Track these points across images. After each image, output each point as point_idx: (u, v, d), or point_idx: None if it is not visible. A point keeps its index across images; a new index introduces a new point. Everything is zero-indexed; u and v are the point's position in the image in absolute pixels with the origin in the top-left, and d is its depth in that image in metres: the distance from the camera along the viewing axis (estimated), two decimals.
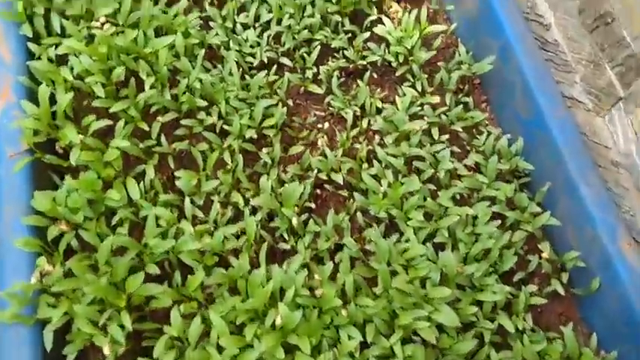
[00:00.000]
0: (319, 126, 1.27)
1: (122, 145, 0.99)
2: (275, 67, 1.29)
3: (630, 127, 1.10)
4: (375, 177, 1.15)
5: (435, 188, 1.15)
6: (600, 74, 1.15)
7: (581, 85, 1.21)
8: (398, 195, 1.09)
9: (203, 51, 1.19)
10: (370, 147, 1.22)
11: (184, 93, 1.12)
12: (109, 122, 1.02)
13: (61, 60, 1.10)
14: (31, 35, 1.10)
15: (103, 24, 1.11)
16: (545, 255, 1.13)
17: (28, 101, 1.00)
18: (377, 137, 1.24)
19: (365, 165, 1.18)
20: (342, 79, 1.31)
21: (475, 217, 1.11)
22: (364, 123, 1.24)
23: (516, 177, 1.22)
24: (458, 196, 1.15)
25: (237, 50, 1.28)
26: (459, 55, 1.35)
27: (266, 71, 1.24)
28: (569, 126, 1.17)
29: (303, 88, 1.30)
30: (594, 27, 1.14)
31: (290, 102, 1.26)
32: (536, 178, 1.20)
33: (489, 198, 1.15)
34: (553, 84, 1.23)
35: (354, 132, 1.23)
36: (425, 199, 1.11)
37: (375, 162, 1.17)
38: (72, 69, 1.05)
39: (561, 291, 1.10)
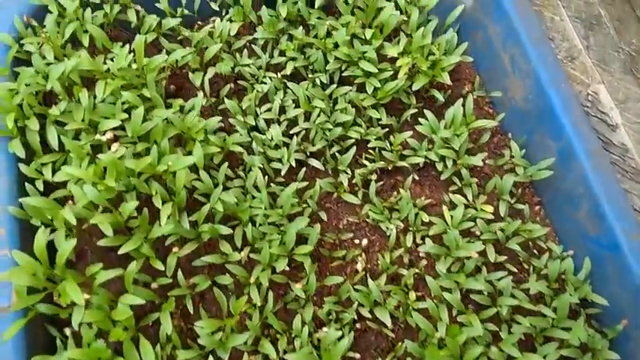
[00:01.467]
0: (356, 241, 1.10)
1: (135, 302, 0.82)
2: (304, 170, 1.13)
3: None
4: (425, 310, 0.99)
5: (497, 329, 0.99)
6: None
7: None
8: (457, 344, 0.93)
9: (225, 165, 1.02)
10: (417, 270, 1.06)
11: (206, 221, 0.95)
12: (119, 272, 0.85)
13: (60, 184, 0.93)
14: (23, 154, 0.92)
15: (109, 141, 0.94)
16: None
17: (18, 250, 0.82)
18: (424, 258, 1.08)
19: (412, 295, 1.02)
20: (380, 184, 1.15)
21: None
22: (408, 239, 1.08)
23: (583, 306, 1.06)
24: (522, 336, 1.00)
25: (260, 151, 1.12)
26: (511, 153, 1.20)
27: (296, 183, 1.07)
28: None
29: (336, 194, 1.14)
30: None
31: (323, 214, 1.10)
32: (607, 309, 1.05)
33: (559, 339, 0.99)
34: (623, 196, 1.08)
35: (398, 252, 1.07)
36: (488, 346, 0.95)
37: (426, 297, 1.01)
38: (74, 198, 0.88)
39: None
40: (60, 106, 0.94)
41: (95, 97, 0.96)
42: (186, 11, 1.20)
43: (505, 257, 1.07)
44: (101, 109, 0.97)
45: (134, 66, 1.01)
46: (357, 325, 1.02)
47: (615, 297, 1.03)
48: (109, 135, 0.93)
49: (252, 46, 1.22)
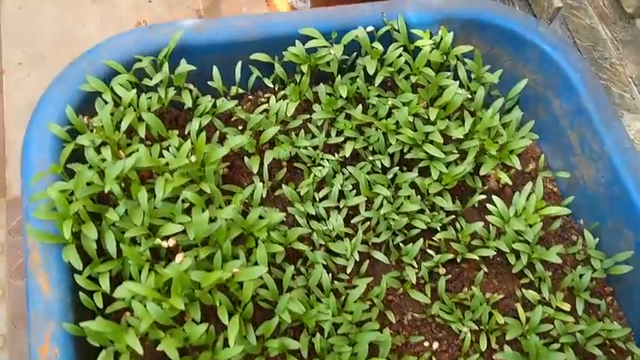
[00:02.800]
0: (426, 344, 1.02)
1: None
2: (367, 262, 1.06)
3: None
4: None
5: None
6: None
7: None
8: None
9: (291, 269, 0.95)
10: None
11: (273, 337, 0.88)
12: None
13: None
14: (79, 264, 0.84)
15: (172, 248, 0.86)
16: None
17: None
18: None
19: None
20: (449, 277, 1.08)
21: None
22: (482, 343, 1.01)
23: None
24: None
25: (322, 243, 1.04)
26: (584, 242, 1.12)
27: (364, 281, 1.00)
28: None
29: (401, 289, 1.06)
30: None
31: (390, 315, 1.02)
32: None
33: None
34: None
35: (473, 358, 0.99)
36: None
37: None
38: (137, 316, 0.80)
39: None
40: (118, 209, 0.87)
41: (154, 196, 0.89)
42: (240, 91, 1.14)
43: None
44: (160, 210, 0.90)
45: (192, 158, 0.94)
46: None
47: None
48: (172, 242, 0.86)
49: (308, 124, 1.15)
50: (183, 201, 0.91)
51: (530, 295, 1.05)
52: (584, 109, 1.16)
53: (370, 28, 1.16)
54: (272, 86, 1.18)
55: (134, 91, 0.96)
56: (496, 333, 1.02)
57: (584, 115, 1.16)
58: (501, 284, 1.11)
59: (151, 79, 1.04)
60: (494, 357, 0.99)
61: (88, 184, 0.87)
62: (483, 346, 1.00)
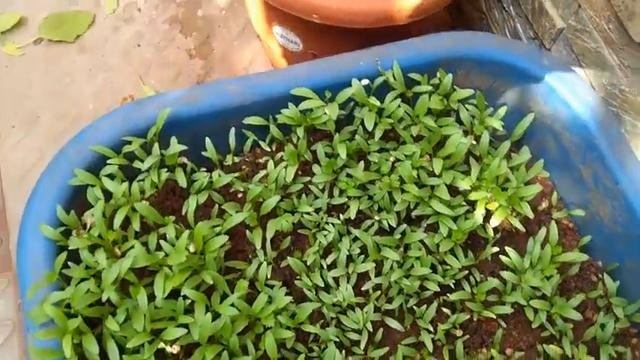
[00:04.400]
0: None
1: None
2: (381, 332, 1.02)
3: None
4: None
5: None
6: None
7: None
8: None
9: (304, 354, 0.92)
10: None
11: None
12: None
13: None
14: None
15: (177, 354, 0.84)
16: None
17: None
18: None
19: None
20: (466, 337, 1.04)
21: None
22: None
23: None
24: None
25: (333, 317, 1.01)
26: (604, 288, 1.08)
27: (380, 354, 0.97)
28: None
29: (419, 356, 1.03)
30: None
31: None
32: None
33: None
34: None
35: None
36: None
37: None
38: None
39: None
40: (118, 317, 0.84)
41: (154, 296, 0.86)
42: (236, 159, 1.10)
43: None
44: (162, 310, 0.87)
45: (191, 248, 0.91)
46: None
47: None
48: (176, 349, 0.83)
49: (310, 185, 1.11)
50: (184, 298, 0.88)
51: (552, 350, 1.02)
52: (596, 146, 1.10)
53: (365, 82, 1.11)
54: (269, 149, 1.14)
55: (125, 184, 0.93)
56: None
57: (595, 151, 1.11)
58: (521, 336, 1.07)
59: (142, 160, 1.00)
60: None
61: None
62: None
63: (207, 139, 1.08)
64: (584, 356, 1.01)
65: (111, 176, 0.96)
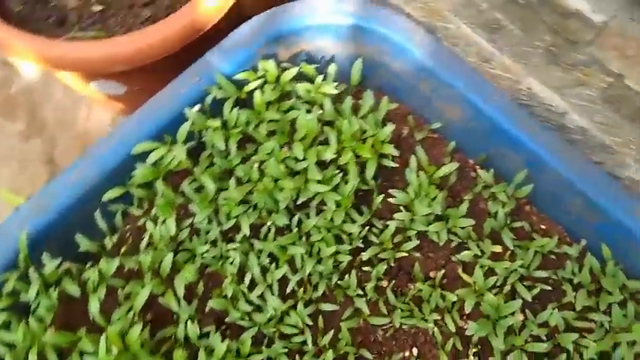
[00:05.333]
0: (407, 354, 1.09)
1: None
2: (321, 320, 1.09)
3: None
4: None
5: None
6: None
7: (638, 166, 1.07)
8: None
9: None
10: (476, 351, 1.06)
11: None
12: None
13: None
14: None
15: None
16: None
17: None
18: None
19: None
20: (393, 283, 1.12)
21: None
22: (450, 325, 1.07)
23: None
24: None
25: (274, 331, 1.06)
26: (482, 180, 1.18)
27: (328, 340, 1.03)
28: None
29: (362, 321, 1.11)
30: (635, 118, 1.00)
31: (366, 353, 1.07)
32: None
33: None
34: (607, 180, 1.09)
35: (449, 344, 1.07)
36: None
37: None
38: None
39: None
40: None
41: None
42: (115, 237, 1.09)
43: (537, 290, 1.08)
44: None
45: (114, 350, 0.91)
46: None
47: None
48: None
49: (196, 225, 1.12)
50: None
51: (466, 256, 1.12)
52: (424, 65, 1.17)
53: (197, 107, 1.10)
54: (141, 210, 1.13)
55: (22, 327, 0.90)
56: (456, 307, 1.09)
57: (425, 71, 1.18)
58: (436, 256, 1.16)
59: (25, 291, 0.97)
60: (466, 334, 1.06)
61: None
62: (453, 327, 1.07)
63: (79, 235, 1.05)
64: (491, 247, 1.12)
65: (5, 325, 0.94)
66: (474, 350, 1.06)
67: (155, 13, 1.23)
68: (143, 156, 1.08)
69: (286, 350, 1.04)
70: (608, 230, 1.09)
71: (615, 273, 1.08)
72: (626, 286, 1.08)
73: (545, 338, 1.04)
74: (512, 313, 1.04)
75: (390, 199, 1.14)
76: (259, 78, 1.15)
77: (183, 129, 1.08)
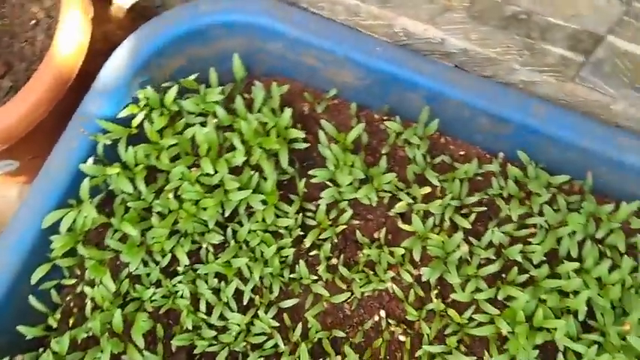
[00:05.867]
0: (376, 319, 1.11)
1: None
2: (287, 316, 1.09)
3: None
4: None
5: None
6: (544, 55, 1.04)
7: (526, 69, 1.10)
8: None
9: None
10: (436, 292, 1.09)
11: None
12: None
13: None
14: None
15: None
16: None
17: None
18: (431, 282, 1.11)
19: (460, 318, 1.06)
20: (342, 257, 1.13)
21: None
22: (406, 277, 1.10)
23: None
24: None
25: (244, 345, 1.06)
26: (395, 131, 1.19)
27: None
28: None
29: (325, 303, 1.12)
30: (505, 25, 1.02)
31: (338, 332, 1.09)
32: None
33: None
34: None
35: (412, 297, 1.10)
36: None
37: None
38: None
39: None
40: None
41: None
42: (58, 314, 1.06)
43: (473, 216, 1.12)
44: None
45: None
46: None
47: None
48: None
49: (134, 272, 1.10)
50: None
51: (400, 207, 1.13)
52: (299, 39, 1.16)
53: (90, 161, 1.07)
54: (74, 279, 1.10)
55: None
56: (407, 259, 1.11)
57: (300, 44, 1.17)
58: (374, 215, 1.17)
59: None
60: (423, 280, 1.09)
61: None
62: (409, 278, 1.10)
63: (20, 326, 1.02)
64: (420, 191, 1.14)
65: None
66: (436, 292, 1.09)
67: (16, 81, 1.17)
68: (57, 224, 1.05)
69: (262, 359, 1.04)
70: (519, 136, 1.12)
71: (538, 174, 1.12)
72: (550, 182, 1.12)
73: (494, 257, 1.08)
74: (458, 246, 1.07)
75: (313, 180, 1.14)
76: (143, 108, 1.12)
77: (84, 187, 1.05)
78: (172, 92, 1.13)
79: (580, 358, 0.98)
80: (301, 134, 1.14)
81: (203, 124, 1.12)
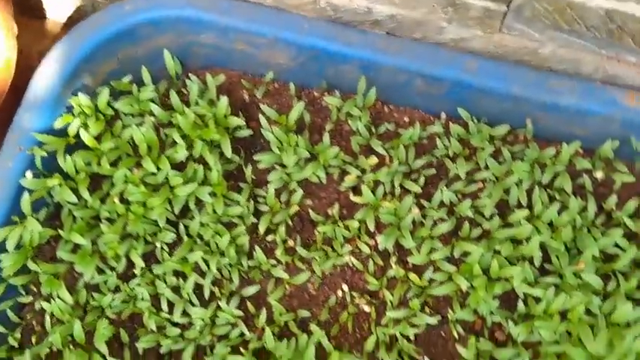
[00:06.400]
0: (339, 293, 1.11)
1: None
2: (250, 306, 1.09)
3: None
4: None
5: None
6: (467, 9, 1.05)
7: (453, 26, 1.10)
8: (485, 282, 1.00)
9: None
10: (394, 258, 1.10)
11: None
12: None
13: None
14: None
15: None
16: None
17: None
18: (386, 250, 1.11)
19: (420, 280, 1.07)
20: (299, 238, 1.13)
21: None
22: (363, 248, 1.10)
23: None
24: None
25: (211, 339, 1.06)
26: (336, 106, 1.19)
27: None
28: None
29: (287, 286, 1.12)
30: None
31: (304, 312, 1.09)
32: None
33: None
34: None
35: (371, 267, 1.10)
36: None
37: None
38: None
39: None
40: None
41: None
42: (17, 334, 1.04)
43: (422, 179, 1.12)
44: None
45: None
46: None
47: None
48: None
49: (92, 282, 1.09)
50: None
51: (350, 181, 1.14)
52: (225, 26, 1.16)
53: (29, 174, 1.05)
54: (30, 298, 1.09)
55: None
56: (363, 230, 1.11)
57: (229, 30, 1.16)
58: (325, 192, 1.17)
59: None
60: (380, 249, 1.09)
61: None
62: (367, 249, 1.10)
63: None
64: (367, 161, 1.14)
65: None
66: (394, 259, 1.10)
67: None
68: (3, 244, 1.03)
69: (230, 349, 1.04)
70: (456, 94, 1.13)
71: (479, 129, 1.13)
72: (493, 135, 1.13)
73: (447, 217, 1.08)
74: (409, 210, 1.07)
75: (260, 165, 1.14)
76: (78, 115, 1.10)
77: (25, 201, 1.03)
78: (104, 96, 1.11)
79: (539, 301, 0.99)
80: (241, 121, 1.13)
81: (140, 125, 1.11)
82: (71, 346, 1.02)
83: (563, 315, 0.97)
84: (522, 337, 0.98)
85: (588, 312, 0.97)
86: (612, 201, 1.08)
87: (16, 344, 1.06)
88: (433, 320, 1.04)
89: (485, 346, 1.01)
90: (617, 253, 1.02)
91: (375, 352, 1.05)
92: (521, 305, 1.01)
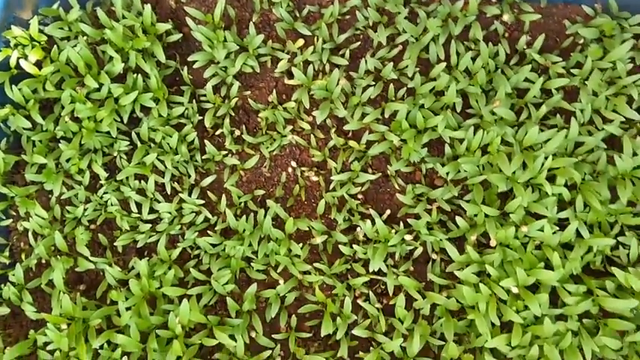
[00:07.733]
0: (290, 170, 1.21)
1: None
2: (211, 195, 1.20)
3: None
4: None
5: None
6: None
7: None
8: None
9: None
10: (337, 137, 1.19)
11: None
12: None
13: None
14: None
15: None
16: None
17: None
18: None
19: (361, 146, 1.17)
20: (239, 128, 1.22)
21: None
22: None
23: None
24: None
25: (179, 228, 1.17)
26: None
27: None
28: None
29: (243, 173, 1.22)
30: None
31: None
32: None
33: None
34: None
35: (315, 144, 1.19)
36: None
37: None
38: None
39: None
40: None
41: None
42: None
43: (348, 52, 1.19)
44: None
45: None
46: None
47: None
48: None
49: (63, 198, 1.19)
50: None
51: (282, 66, 1.20)
52: None
53: None
54: (10, 221, 1.19)
55: None
56: (302, 110, 1.20)
57: None
58: (262, 81, 1.24)
59: None
60: (318, 123, 1.18)
61: None
62: (307, 125, 1.19)
63: None
64: (294, 45, 1.20)
65: None
66: (333, 130, 1.18)
67: None
68: None
69: (198, 233, 1.15)
70: None
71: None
72: None
73: (374, 83, 1.16)
74: (338, 82, 1.15)
75: (196, 65, 1.20)
76: (16, 47, 1.16)
77: None
78: (34, 24, 1.16)
79: (462, 142, 1.08)
80: (168, 26, 1.18)
81: (74, 46, 1.16)
82: (58, 256, 1.13)
83: (485, 151, 1.07)
84: (451, 175, 1.08)
85: (507, 143, 1.06)
86: (523, 41, 1.15)
87: (7, 262, 1.17)
88: (373, 177, 1.14)
89: (421, 189, 1.12)
90: (529, 87, 1.10)
91: (328, 215, 1.16)
92: (447, 149, 1.11)
